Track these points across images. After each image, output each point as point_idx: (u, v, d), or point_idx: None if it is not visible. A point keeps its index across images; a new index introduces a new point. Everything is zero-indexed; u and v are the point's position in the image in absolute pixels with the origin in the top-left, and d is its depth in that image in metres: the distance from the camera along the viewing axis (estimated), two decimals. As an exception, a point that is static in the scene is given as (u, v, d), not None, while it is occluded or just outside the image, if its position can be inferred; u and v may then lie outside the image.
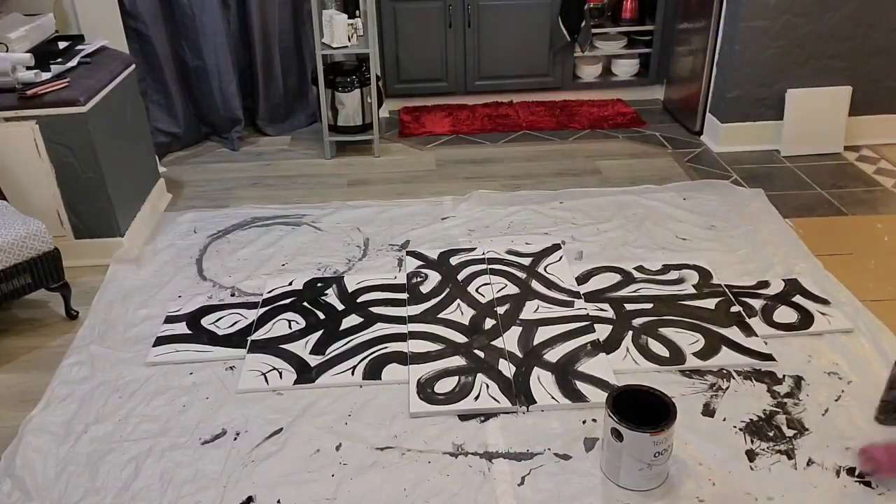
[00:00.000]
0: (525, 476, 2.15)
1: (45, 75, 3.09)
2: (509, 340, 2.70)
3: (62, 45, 3.49)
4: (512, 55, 4.82)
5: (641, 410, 2.04)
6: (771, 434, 2.26)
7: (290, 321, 2.85)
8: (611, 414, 2.02)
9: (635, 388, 2.14)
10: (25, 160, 3.03)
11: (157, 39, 4.16)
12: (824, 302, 2.85)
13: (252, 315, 2.90)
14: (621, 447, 2.02)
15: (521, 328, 2.77)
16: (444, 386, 2.49)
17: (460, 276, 3.10)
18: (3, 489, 2.16)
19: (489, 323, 2.81)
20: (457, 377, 2.53)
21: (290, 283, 3.08)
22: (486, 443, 2.27)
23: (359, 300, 2.97)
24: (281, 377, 2.56)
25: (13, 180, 3.05)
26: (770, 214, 3.52)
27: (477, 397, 2.43)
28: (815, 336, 2.69)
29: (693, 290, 2.97)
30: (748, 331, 2.72)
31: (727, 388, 2.45)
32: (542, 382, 2.49)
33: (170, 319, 2.89)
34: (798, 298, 2.88)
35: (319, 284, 3.08)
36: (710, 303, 2.89)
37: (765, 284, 2.98)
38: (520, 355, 2.63)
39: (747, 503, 2.05)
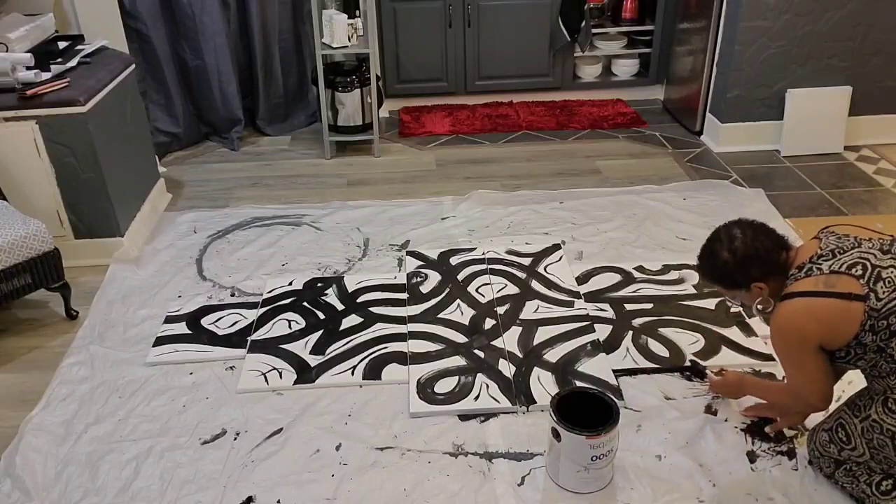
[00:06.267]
0: (525, 476, 2.15)
1: (45, 75, 3.09)
2: (509, 340, 2.70)
3: (62, 45, 3.49)
4: (512, 55, 4.82)
5: (600, 415, 2.04)
6: (772, 434, 2.25)
7: (290, 321, 2.85)
8: (552, 413, 2.02)
9: (589, 392, 2.15)
10: (25, 160, 3.02)
11: (157, 39, 4.16)
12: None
13: (252, 315, 2.89)
14: (560, 447, 2.02)
15: (521, 328, 2.77)
16: (444, 386, 2.49)
17: (460, 276, 3.10)
18: (3, 489, 2.16)
19: (489, 323, 2.81)
20: (457, 377, 2.53)
21: (290, 283, 3.08)
22: (486, 443, 2.27)
23: (359, 300, 2.97)
24: (281, 377, 2.56)
25: (13, 180, 3.05)
26: (770, 214, 3.52)
27: (477, 397, 2.43)
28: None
29: (693, 290, 2.97)
30: (748, 331, 2.72)
31: (727, 388, 2.46)
32: (542, 382, 2.49)
33: (170, 319, 2.88)
34: (798, 298, 2.88)
35: (319, 284, 3.08)
36: (710, 303, 2.89)
37: (765, 284, 2.98)
38: (520, 355, 2.63)
39: None
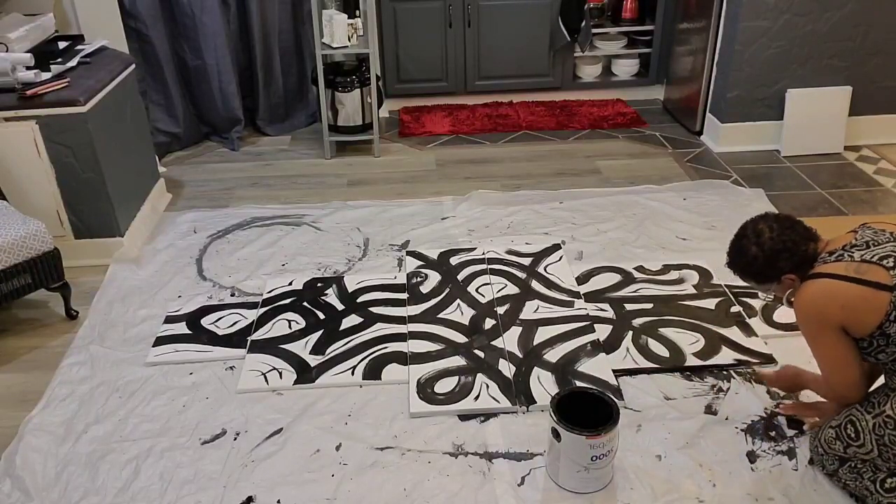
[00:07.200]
0: (525, 476, 2.15)
1: (45, 75, 3.09)
2: (509, 340, 2.70)
3: (62, 45, 3.49)
4: (512, 55, 4.82)
5: (600, 415, 2.04)
6: (772, 434, 2.26)
7: (290, 321, 2.85)
8: (552, 413, 2.02)
9: (589, 392, 2.15)
10: (25, 160, 3.02)
11: (157, 39, 4.16)
12: (824, 302, 2.85)
13: (252, 315, 2.89)
14: (560, 447, 2.03)
15: (521, 328, 2.77)
16: (444, 386, 2.49)
17: (460, 276, 3.10)
18: (3, 489, 2.16)
19: (489, 323, 2.81)
20: (457, 377, 2.53)
21: (290, 283, 3.08)
22: (486, 443, 2.27)
23: (359, 300, 2.97)
24: (281, 377, 2.56)
25: (13, 180, 3.05)
26: (770, 214, 3.52)
27: (477, 397, 2.43)
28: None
29: (693, 290, 2.97)
30: (748, 331, 2.72)
31: (728, 388, 2.45)
32: (542, 382, 2.49)
33: (170, 319, 2.88)
34: (798, 298, 2.88)
35: (319, 284, 3.08)
36: (710, 303, 2.89)
37: (765, 284, 2.98)
38: (520, 355, 2.63)
39: None
